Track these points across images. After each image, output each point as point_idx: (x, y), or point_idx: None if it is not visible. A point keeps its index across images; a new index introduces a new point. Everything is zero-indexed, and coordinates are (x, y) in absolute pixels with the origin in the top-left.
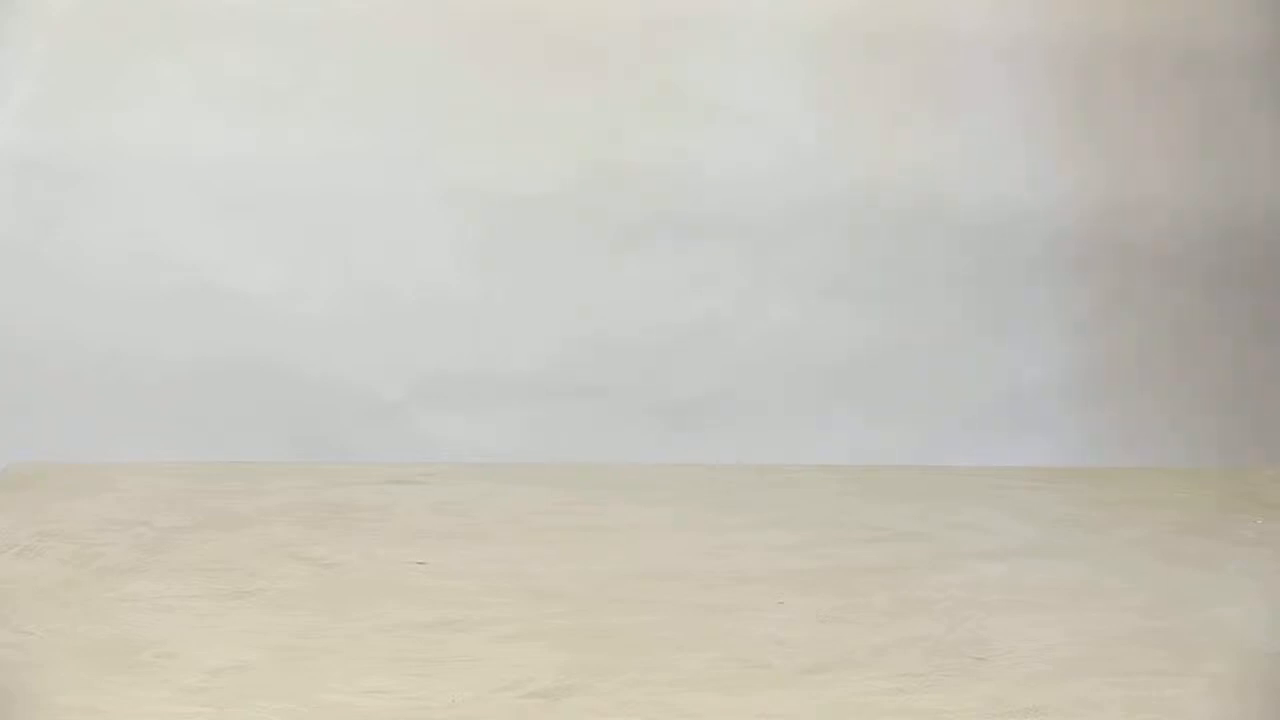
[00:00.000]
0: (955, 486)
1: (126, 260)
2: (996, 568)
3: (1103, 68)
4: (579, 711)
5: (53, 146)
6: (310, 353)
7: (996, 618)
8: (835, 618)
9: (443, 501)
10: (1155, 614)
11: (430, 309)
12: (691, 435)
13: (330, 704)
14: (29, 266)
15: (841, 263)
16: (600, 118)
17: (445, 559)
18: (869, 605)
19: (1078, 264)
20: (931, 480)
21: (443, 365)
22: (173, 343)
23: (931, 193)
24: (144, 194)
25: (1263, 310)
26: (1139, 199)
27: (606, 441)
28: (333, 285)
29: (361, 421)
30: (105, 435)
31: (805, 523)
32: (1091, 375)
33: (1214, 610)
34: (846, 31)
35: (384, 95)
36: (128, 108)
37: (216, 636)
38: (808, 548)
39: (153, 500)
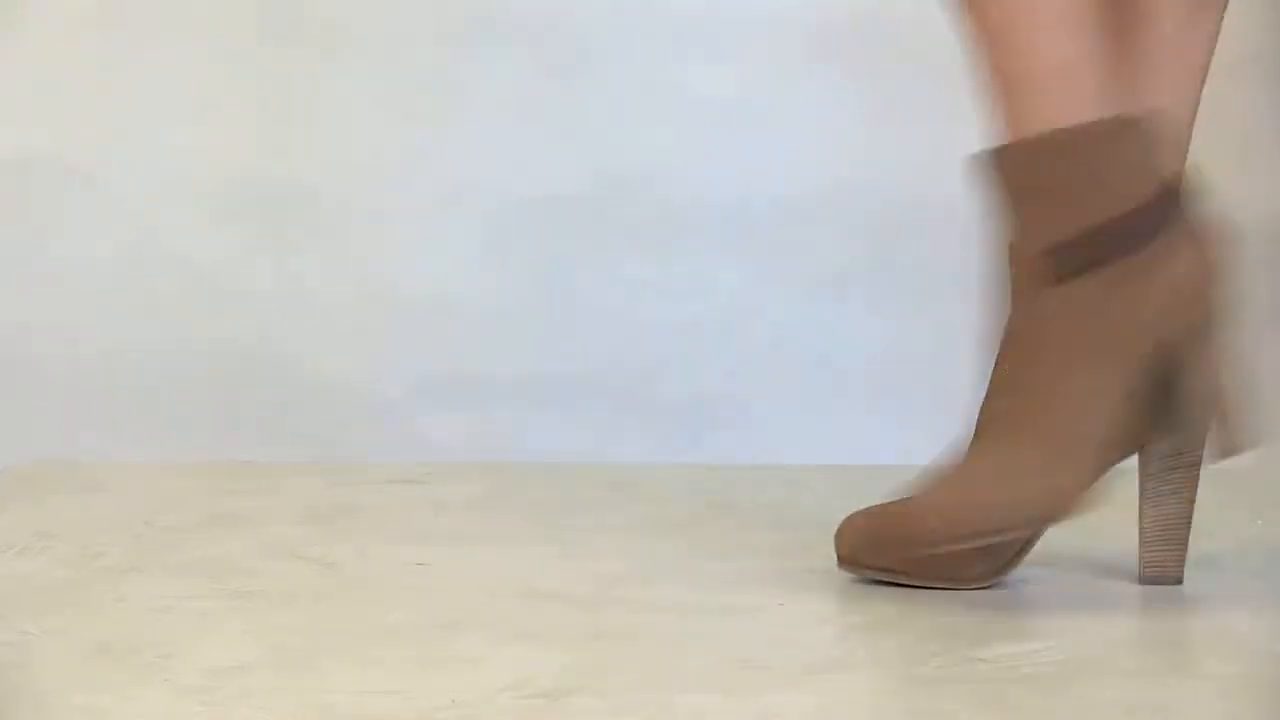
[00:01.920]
0: None
1: (126, 260)
2: None
3: None
4: (579, 711)
5: (53, 146)
6: (311, 352)
7: (996, 617)
8: (835, 618)
9: (443, 501)
10: (1155, 614)
11: (431, 309)
12: (692, 435)
13: (330, 704)
14: (29, 266)
15: (842, 262)
16: (600, 118)
17: (445, 559)
18: (869, 605)
19: None
20: None
21: (444, 365)
22: (173, 343)
23: (934, 192)
24: (144, 194)
25: (1263, 311)
26: None
27: (606, 441)
28: (333, 285)
29: (361, 421)
30: (105, 435)
31: (805, 523)
32: None
33: (1214, 610)
34: (848, 31)
35: (384, 95)
36: (128, 108)
37: (216, 636)
38: (808, 548)
39: (153, 500)
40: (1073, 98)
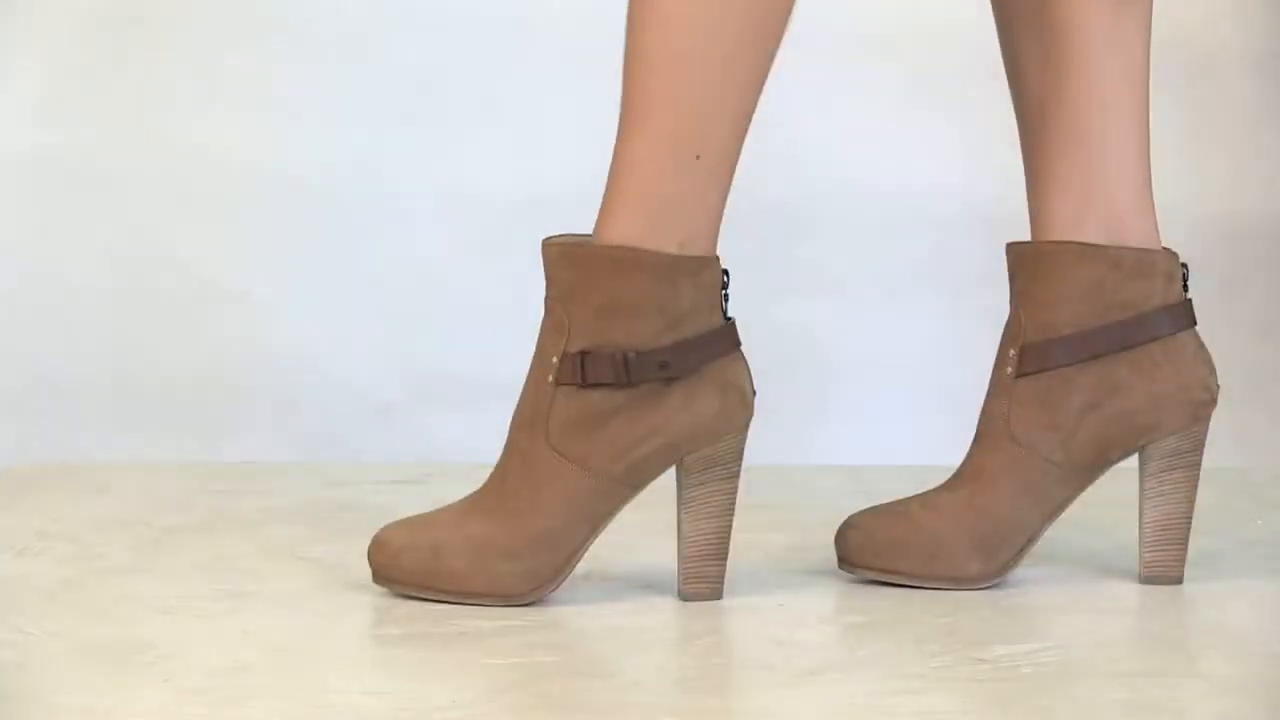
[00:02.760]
0: None
1: (126, 260)
2: None
3: None
4: (579, 711)
5: (54, 146)
6: (310, 353)
7: (996, 617)
8: (835, 618)
9: (443, 501)
10: (1155, 614)
11: (431, 308)
12: None
13: (330, 704)
14: (29, 266)
15: (843, 262)
16: (601, 119)
17: None
18: (869, 605)
19: None
20: (932, 480)
21: (443, 365)
22: (173, 343)
23: (934, 193)
24: (144, 194)
25: (1263, 311)
26: None
27: None
28: (333, 285)
29: (361, 421)
30: (105, 435)
31: (805, 523)
32: None
33: (1214, 610)
34: (849, 30)
35: (384, 95)
36: (128, 108)
37: (216, 636)
38: (808, 548)
39: (153, 500)
40: (651, 226)
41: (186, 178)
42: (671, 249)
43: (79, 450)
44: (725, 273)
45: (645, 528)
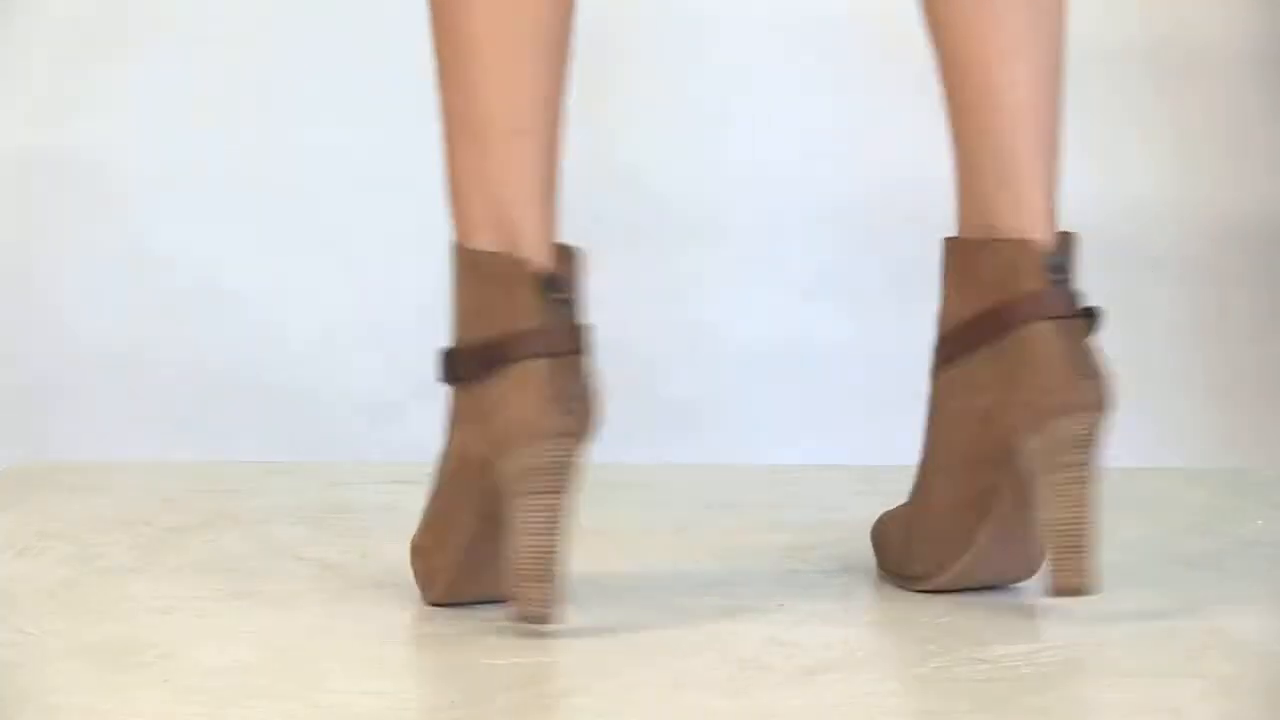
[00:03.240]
0: None
1: (126, 260)
2: None
3: (1103, 70)
4: (579, 712)
5: (53, 146)
6: (311, 352)
7: (996, 617)
8: (835, 618)
9: None
10: (1155, 614)
11: (431, 308)
12: (691, 435)
13: (330, 704)
14: (29, 266)
15: (842, 263)
16: (600, 118)
17: None
18: (870, 605)
19: (1077, 265)
20: None
21: None
22: (173, 343)
23: (932, 193)
24: (144, 194)
25: (1263, 310)
26: (1138, 199)
27: (606, 441)
28: (333, 284)
29: (361, 421)
30: (105, 435)
31: (805, 523)
32: None
33: (1214, 610)
34: (850, 32)
35: (385, 95)
36: (127, 108)
37: (216, 636)
38: (808, 548)
39: (153, 500)
40: (468, 217)
41: (186, 176)
42: (473, 240)
43: (79, 450)
44: (556, 277)
45: (645, 528)
